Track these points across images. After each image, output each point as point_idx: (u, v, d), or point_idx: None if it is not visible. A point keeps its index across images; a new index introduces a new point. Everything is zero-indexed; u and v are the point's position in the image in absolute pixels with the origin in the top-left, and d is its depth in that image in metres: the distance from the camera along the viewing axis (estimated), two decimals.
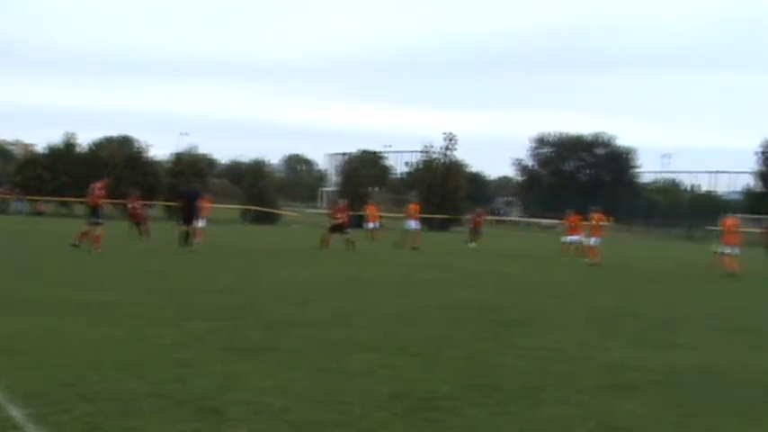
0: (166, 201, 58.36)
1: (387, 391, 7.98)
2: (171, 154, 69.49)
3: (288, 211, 68.76)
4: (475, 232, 41.59)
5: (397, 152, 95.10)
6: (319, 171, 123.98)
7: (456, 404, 7.59)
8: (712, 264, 28.82)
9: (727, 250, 28.68)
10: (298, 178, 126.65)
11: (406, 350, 10.29)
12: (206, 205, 32.94)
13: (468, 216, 48.08)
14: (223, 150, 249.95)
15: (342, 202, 35.51)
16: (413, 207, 38.61)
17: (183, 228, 28.28)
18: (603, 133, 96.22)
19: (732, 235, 29.10)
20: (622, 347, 11.40)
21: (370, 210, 46.40)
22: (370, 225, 44.41)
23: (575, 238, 34.68)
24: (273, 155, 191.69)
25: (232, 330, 11.16)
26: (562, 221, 32.61)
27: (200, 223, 31.15)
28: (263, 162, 72.67)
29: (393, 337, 11.28)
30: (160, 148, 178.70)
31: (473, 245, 38.99)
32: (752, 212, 74.42)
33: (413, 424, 6.91)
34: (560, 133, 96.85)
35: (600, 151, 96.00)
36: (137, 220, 34.76)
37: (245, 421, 6.73)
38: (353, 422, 6.87)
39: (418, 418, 7.09)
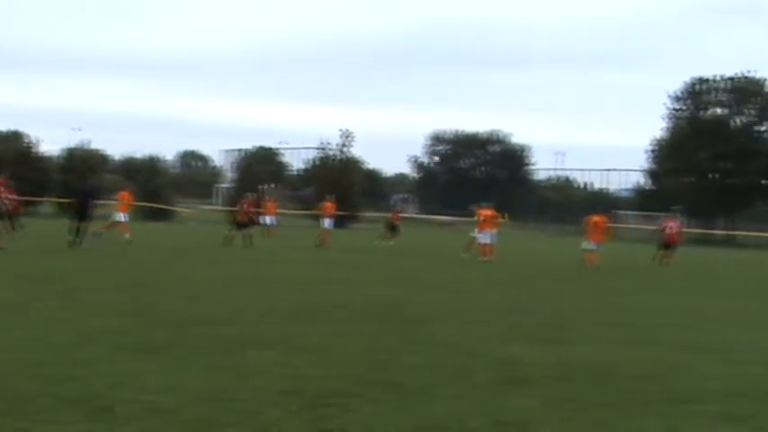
0: (59, 197, 57.04)
1: (282, 388, 7.99)
2: (62, 149, 68.02)
3: (183, 208, 67.91)
4: (393, 230, 41.77)
5: (294, 149, 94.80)
6: (215, 167, 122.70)
7: (351, 401, 7.64)
8: (582, 260, 29.81)
9: (591, 246, 29.77)
10: (193, 175, 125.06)
11: (303, 347, 10.32)
12: (126, 198, 32.86)
13: (389, 214, 48.39)
14: (117, 146, 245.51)
15: (250, 197, 35.47)
16: (329, 205, 38.38)
17: (75, 224, 27.74)
18: (499, 131, 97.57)
19: (597, 231, 30.11)
20: (516, 343, 11.63)
21: (267, 206, 46.20)
22: (267, 221, 44.21)
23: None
24: (168, 151, 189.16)
25: (128, 329, 11.02)
26: (473, 217, 32.86)
27: (123, 218, 30.99)
28: (158, 158, 71.75)
29: (290, 335, 11.29)
30: (51, 144, 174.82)
31: (391, 242, 39.21)
32: (642, 209, 76.55)
33: (307, 421, 6.93)
34: (456, 131, 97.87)
35: (495, 149, 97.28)
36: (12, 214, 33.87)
37: (137, 420, 6.67)
38: (247, 420, 6.86)
39: (313, 415, 7.12)
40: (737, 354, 11.79)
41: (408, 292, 18.23)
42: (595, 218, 31.05)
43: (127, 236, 30.69)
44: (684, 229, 64.00)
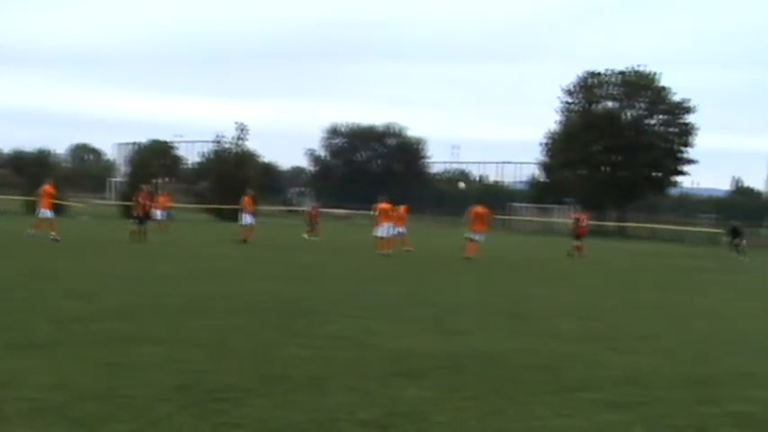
0: None
1: (172, 383, 7.88)
2: None
3: (75, 203, 66.43)
4: (312, 225, 41.94)
5: (189, 142, 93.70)
6: (108, 161, 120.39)
7: (242, 395, 7.57)
8: (463, 248, 30.32)
9: (474, 236, 30.39)
10: (85, 168, 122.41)
11: (193, 342, 10.19)
12: (50, 192, 31.71)
13: (305, 209, 48.40)
14: (5, 140, 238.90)
15: (145, 190, 34.87)
16: (247, 200, 37.76)
17: None
18: (395, 124, 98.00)
19: (478, 222, 30.74)
20: (410, 334, 11.69)
21: (159, 200, 45.48)
22: (158, 215, 43.49)
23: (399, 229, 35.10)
24: (59, 144, 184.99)
25: (15, 326, 10.72)
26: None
27: (48, 214, 30.11)
28: (48, 152, 70.04)
29: (180, 330, 11.14)
30: None
31: (316, 238, 39.24)
32: (536, 202, 77.86)
33: (198, 416, 6.85)
34: (353, 124, 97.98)
35: (391, 142, 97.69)
36: None
37: (24, 418, 6.50)
38: (137, 416, 6.74)
39: (205, 410, 7.03)
40: (628, 343, 12.06)
41: (302, 285, 18.17)
42: (477, 208, 31.53)
43: (53, 233, 29.38)
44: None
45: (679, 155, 72.96)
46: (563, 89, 74.87)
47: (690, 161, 73.10)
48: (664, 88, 72.80)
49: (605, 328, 13.54)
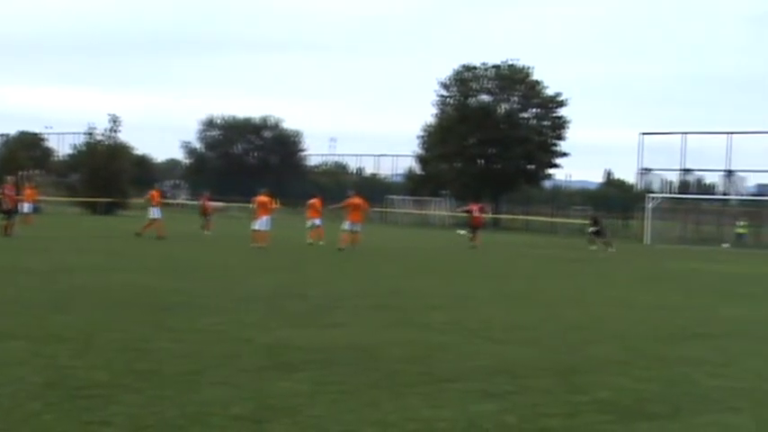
0: None
1: (39, 380, 7.70)
2: None
3: None
4: (207, 219, 40.25)
5: (60, 134, 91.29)
6: None
7: (113, 391, 7.44)
8: (342, 240, 30.85)
9: (351, 227, 31.09)
10: None
11: (59, 337, 9.96)
12: (29, 192, 30.29)
13: (198, 201, 46.81)
14: None
15: (10, 181, 33.65)
16: (155, 194, 36.70)
17: None
18: (271, 116, 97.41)
19: (355, 212, 31.41)
20: (284, 327, 11.66)
21: (26, 192, 44.19)
22: (25, 208, 42.23)
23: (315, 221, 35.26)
24: None
25: None
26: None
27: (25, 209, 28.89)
28: None
29: (45, 325, 10.87)
30: None
31: (208, 232, 38.12)
32: (413, 194, 78.46)
33: (69, 413, 6.70)
34: (229, 116, 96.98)
35: (268, 134, 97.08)
36: None
37: None
38: (5, 414, 6.57)
39: (74, 407, 6.89)
40: (500, 333, 12.29)
41: (172, 279, 17.94)
42: (354, 199, 32.00)
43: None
44: (451, 213, 66.50)
45: (552, 148, 74.38)
46: (439, 82, 75.59)
47: (563, 154, 74.62)
48: (537, 82, 74.11)
49: (478, 318, 13.74)
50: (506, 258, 31.95)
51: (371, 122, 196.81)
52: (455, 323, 13.01)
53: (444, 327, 12.56)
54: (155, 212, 35.01)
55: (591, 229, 43.10)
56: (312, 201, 36.97)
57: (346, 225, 31.44)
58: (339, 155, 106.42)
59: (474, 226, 38.22)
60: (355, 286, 18.26)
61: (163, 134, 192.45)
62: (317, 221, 35.33)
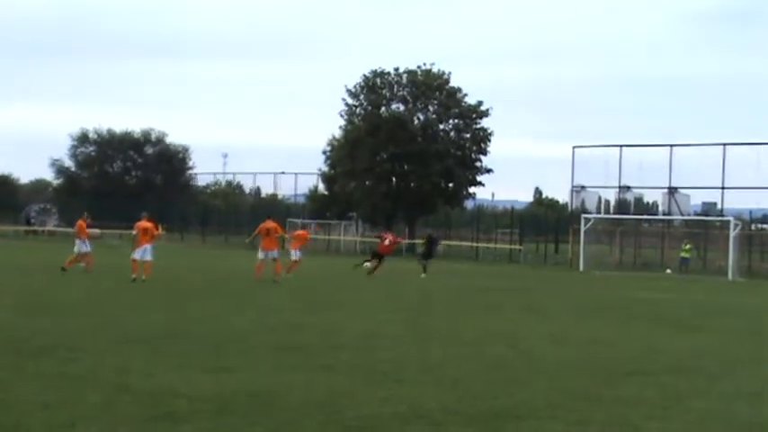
0: None
1: None
2: None
3: None
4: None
5: None
6: None
7: None
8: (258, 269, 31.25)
9: (263, 255, 31.77)
10: None
11: None
12: None
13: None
14: None
15: None
16: (82, 224, 35.75)
17: None
18: (154, 130, 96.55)
19: (268, 239, 31.98)
20: (168, 372, 11.53)
21: None
22: None
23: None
24: None
25: None
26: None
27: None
28: None
29: None
30: None
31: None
32: (318, 217, 78.41)
33: None
34: (105, 130, 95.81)
35: (150, 150, 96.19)
36: None
37: None
38: None
39: None
40: (415, 374, 12.34)
41: (40, 317, 17.61)
42: (268, 223, 32.55)
43: None
44: (360, 238, 66.60)
45: (474, 163, 74.90)
46: (346, 90, 75.66)
47: (486, 170, 75.15)
48: (456, 89, 74.72)
49: (390, 358, 13.78)
50: (422, 289, 32.06)
51: (269, 136, 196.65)
52: (363, 364, 13.03)
53: (351, 368, 12.56)
54: (83, 246, 34.19)
55: (426, 251, 43.19)
56: (298, 232, 38.97)
57: (260, 254, 31.93)
58: (232, 173, 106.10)
59: (380, 254, 38.82)
60: (251, 323, 18.15)
61: (29, 151, 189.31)
62: (297, 254, 35.65)
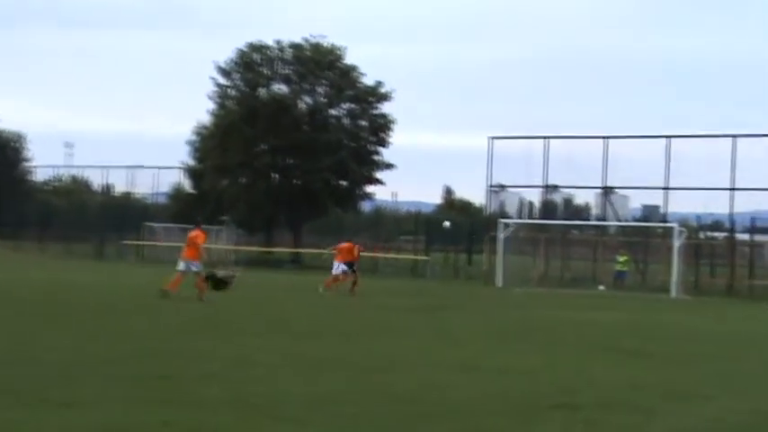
0: None
1: None
2: None
3: None
4: None
5: None
6: None
7: None
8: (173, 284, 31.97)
9: (183, 267, 32.90)
10: None
11: None
12: None
13: None
14: None
15: None
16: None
17: None
18: None
19: (190, 248, 33.08)
20: (5, 409, 11.46)
21: None
22: None
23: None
24: None
25: None
26: None
27: None
28: None
29: None
30: None
31: None
32: (182, 220, 77.62)
33: None
34: None
35: None
36: None
37: None
38: None
39: None
40: (298, 410, 12.42)
41: None
42: (196, 232, 33.78)
43: None
44: (235, 246, 66.21)
45: (372, 157, 74.63)
46: (217, 68, 74.84)
47: (387, 165, 75.08)
48: (351, 68, 74.51)
49: (267, 391, 13.86)
50: (311, 308, 32.10)
51: (122, 123, 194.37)
52: (235, 398, 13.08)
53: (220, 403, 12.61)
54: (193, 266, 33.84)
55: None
56: (343, 244, 41.91)
57: (181, 265, 33.03)
58: (78, 166, 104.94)
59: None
60: (106, 349, 18.05)
61: None
62: (343, 267, 40.32)
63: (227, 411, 12.09)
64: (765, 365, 20.93)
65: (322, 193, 72.67)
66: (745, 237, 63.41)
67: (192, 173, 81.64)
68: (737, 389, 16.71)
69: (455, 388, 15.00)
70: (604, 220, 64.82)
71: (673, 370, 19.02)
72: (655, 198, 65.78)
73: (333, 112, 75.09)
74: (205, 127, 78.60)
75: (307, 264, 68.76)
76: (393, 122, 74.21)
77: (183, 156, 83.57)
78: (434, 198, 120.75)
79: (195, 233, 33.24)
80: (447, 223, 54.58)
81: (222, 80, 74.82)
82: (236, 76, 74.67)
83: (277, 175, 74.65)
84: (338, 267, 40.24)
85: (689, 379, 17.82)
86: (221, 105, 75.45)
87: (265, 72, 74.61)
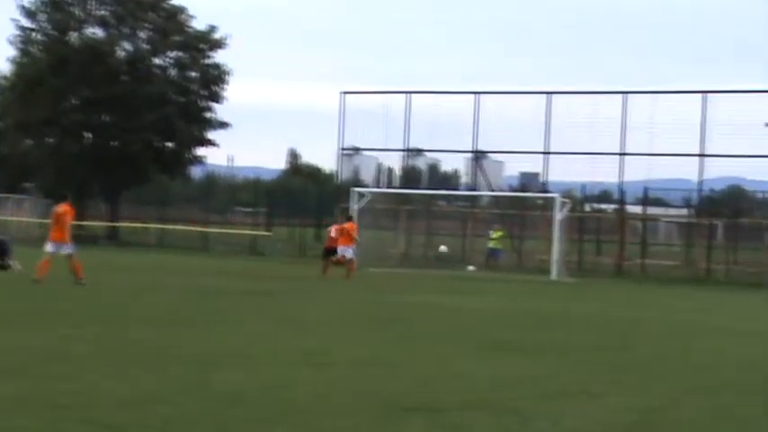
0: None
1: None
2: None
3: None
4: None
5: None
6: None
7: None
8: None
9: (52, 248, 32.65)
10: None
11: None
12: None
13: None
14: None
15: None
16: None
17: None
18: None
19: (61, 229, 32.81)
20: None
21: None
22: None
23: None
24: None
25: None
26: None
27: None
28: None
29: None
30: None
31: None
32: None
33: None
34: None
35: None
36: None
37: None
38: None
39: None
40: (111, 413, 12.23)
41: None
42: (62, 207, 33.48)
43: None
44: (39, 219, 65.26)
45: (204, 114, 74.20)
46: (19, 6, 73.53)
47: (221, 124, 74.76)
48: (179, 9, 73.87)
49: (75, 388, 13.70)
50: (125, 293, 31.80)
51: None
52: (30, 396, 12.94)
53: (9, 403, 12.39)
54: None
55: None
56: (345, 224, 44.59)
57: (49, 247, 32.63)
58: None
59: (330, 249, 44.52)
60: None
61: None
62: (349, 251, 43.19)
63: (22, 412, 11.84)
64: (659, 356, 21.12)
65: (143, 157, 72.07)
66: (637, 209, 64.21)
67: None
68: (628, 384, 16.84)
69: (297, 385, 14.90)
70: (475, 189, 65.13)
71: (553, 363, 19.14)
72: (534, 164, 65.29)
73: (157, 61, 74.61)
74: (5, 77, 77.65)
75: (124, 240, 68.22)
76: (228, 74, 74.00)
77: None
78: (277, 163, 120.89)
79: (63, 208, 32.59)
80: (443, 248, 55.04)
81: (26, 22, 73.71)
82: (43, 17, 73.61)
83: (90, 135, 73.87)
84: (346, 251, 42.85)
85: (572, 374, 17.91)
86: (24, 52, 74.41)
87: (77, 13, 73.73)
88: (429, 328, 24.73)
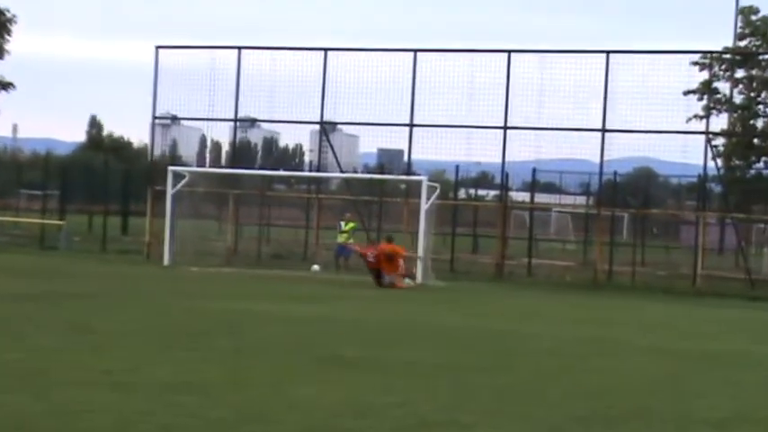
0: None
1: None
2: None
3: None
4: None
5: None
6: None
7: None
8: None
9: None
10: None
11: None
12: None
13: None
14: None
15: None
16: None
17: None
18: None
19: None
20: None
21: None
22: None
23: None
24: None
25: None
26: None
27: None
28: None
29: None
30: None
31: None
32: None
33: None
34: None
35: None
36: None
37: None
38: None
39: None
40: None
41: None
42: None
43: None
44: None
45: None
46: None
47: (3, 85, 74.40)
48: None
49: None
50: None
51: None
52: None
53: None
54: None
55: None
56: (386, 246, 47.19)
57: None
58: None
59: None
60: None
61: None
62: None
63: None
64: (545, 377, 21.32)
65: None
66: (524, 196, 64.29)
67: None
68: (507, 413, 17.00)
69: (94, 412, 14.88)
70: (322, 170, 63.96)
71: (413, 387, 19.18)
72: (396, 139, 63.79)
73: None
74: None
75: None
76: (12, 22, 73.34)
77: None
78: (74, 134, 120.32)
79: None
80: (316, 267, 54.10)
81: None
82: None
83: None
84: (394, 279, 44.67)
85: (436, 400, 17.99)
86: None
87: None
88: (260, 343, 24.82)
